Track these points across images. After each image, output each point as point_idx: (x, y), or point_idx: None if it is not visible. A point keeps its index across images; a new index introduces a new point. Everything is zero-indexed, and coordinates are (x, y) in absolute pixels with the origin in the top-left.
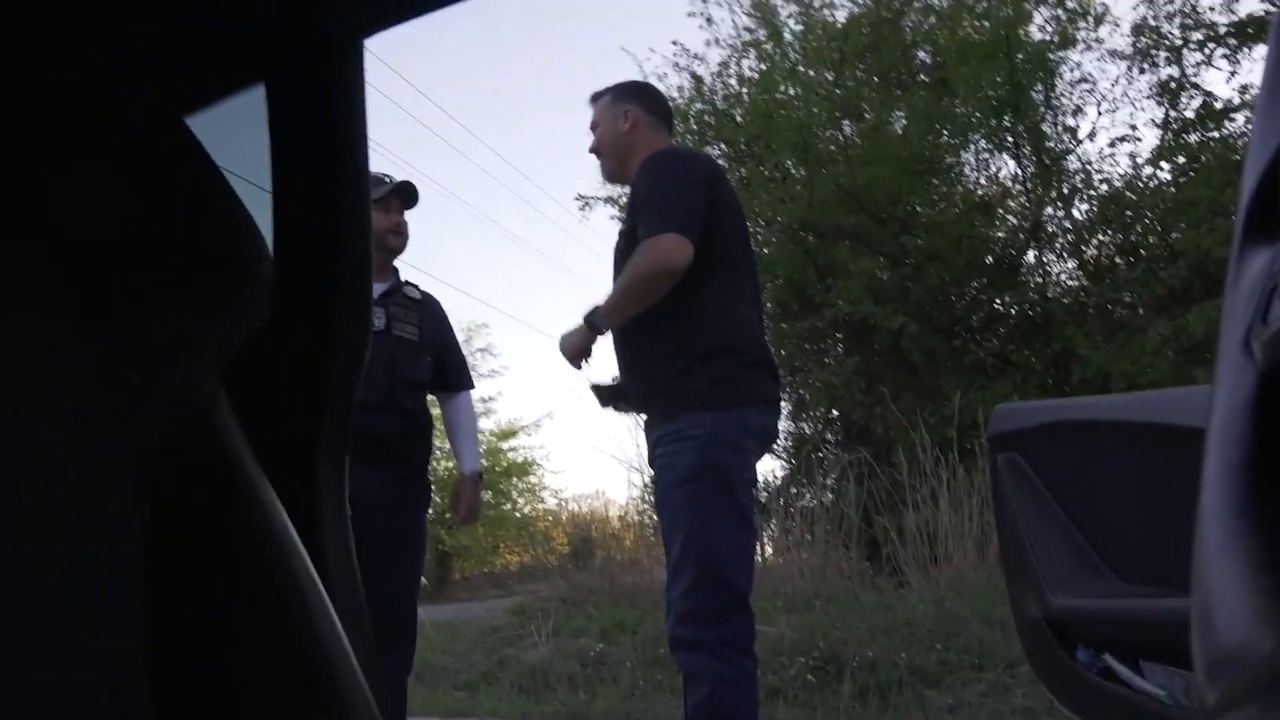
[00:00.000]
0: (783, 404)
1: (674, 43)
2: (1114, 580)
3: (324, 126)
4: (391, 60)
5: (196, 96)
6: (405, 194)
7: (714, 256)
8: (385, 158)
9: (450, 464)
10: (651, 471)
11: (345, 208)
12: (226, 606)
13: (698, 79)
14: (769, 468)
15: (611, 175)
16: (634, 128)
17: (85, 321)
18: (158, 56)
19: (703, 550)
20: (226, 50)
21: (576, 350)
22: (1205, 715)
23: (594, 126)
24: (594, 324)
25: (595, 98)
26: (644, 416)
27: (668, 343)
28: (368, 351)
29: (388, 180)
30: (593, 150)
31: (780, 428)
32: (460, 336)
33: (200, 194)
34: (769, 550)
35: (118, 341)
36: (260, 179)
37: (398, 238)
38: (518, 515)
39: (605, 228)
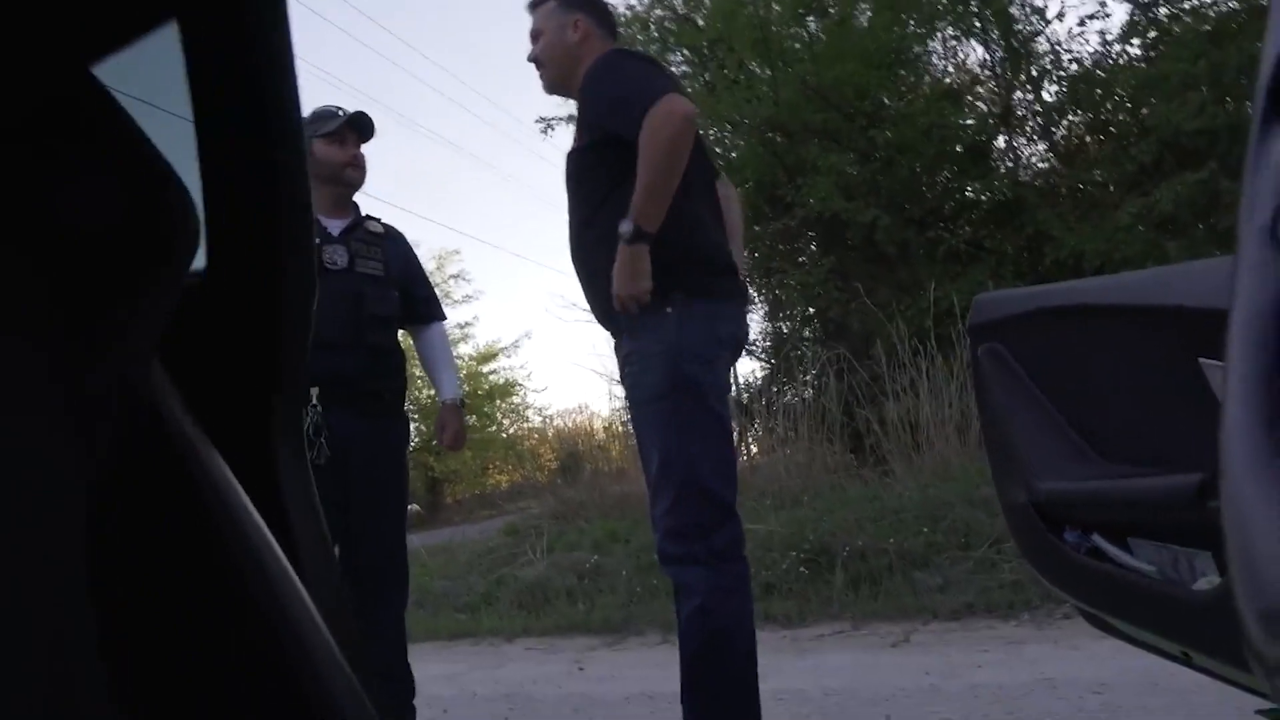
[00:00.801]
0: (759, 305)
1: None
2: (1099, 462)
3: (248, 62)
4: None
5: (100, 41)
6: (360, 125)
7: None
8: (336, 88)
9: (433, 393)
10: (622, 389)
11: (278, 150)
12: (181, 586)
13: None
14: (749, 369)
15: (554, 87)
16: (584, 39)
17: None
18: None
19: (683, 466)
20: None
21: (635, 274)
22: (1264, 672)
23: (535, 35)
24: (639, 231)
25: (535, 4)
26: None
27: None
28: (314, 302)
29: (340, 113)
30: (533, 60)
31: (758, 328)
32: (431, 265)
33: (111, 147)
34: (754, 449)
35: (30, 317)
36: (181, 123)
37: (355, 171)
38: (504, 436)
39: (568, 145)
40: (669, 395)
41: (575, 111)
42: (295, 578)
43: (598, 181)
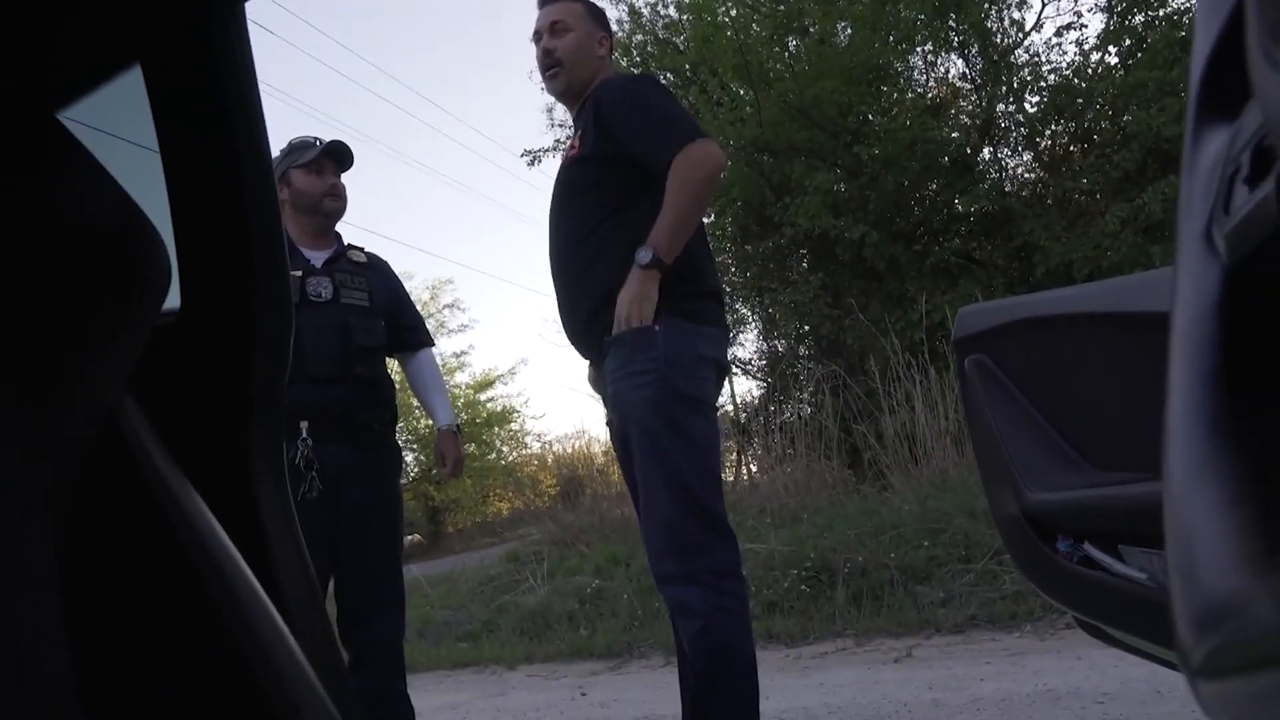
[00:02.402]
0: (753, 324)
1: None
2: (1088, 470)
3: (212, 101)
4: (310, 15)
5: (68, 89)
6: (337, 155)
7: (662, 190)
8: (325, 123)
9: (430, 421)
10: (607, 409)
11: (247, 185)
12: (150, 612)
13: (635, 12)
14: (746, 387)
15: (564, 90)
16: (605, 57)
17: None
18: (19, 51)
19: (676, 482)
20: (94, 35)
21: (647, 300)
22: (1189, 674)
23: (559, 29)
24: (656, 260)
25: None
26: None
27: (617, 275)
28: (291, 334)
29: (317, 143)
30: (551, 53)
31: (753, 347)
32: (425, 295)
33: (78, 193)
34: (753, 468)
35: (7, 349)
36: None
37: (335, 200)
38: (503, 463)
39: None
40: (664, 411)
41: (572, 125)
42: (272, 609)
43: (598, 200)
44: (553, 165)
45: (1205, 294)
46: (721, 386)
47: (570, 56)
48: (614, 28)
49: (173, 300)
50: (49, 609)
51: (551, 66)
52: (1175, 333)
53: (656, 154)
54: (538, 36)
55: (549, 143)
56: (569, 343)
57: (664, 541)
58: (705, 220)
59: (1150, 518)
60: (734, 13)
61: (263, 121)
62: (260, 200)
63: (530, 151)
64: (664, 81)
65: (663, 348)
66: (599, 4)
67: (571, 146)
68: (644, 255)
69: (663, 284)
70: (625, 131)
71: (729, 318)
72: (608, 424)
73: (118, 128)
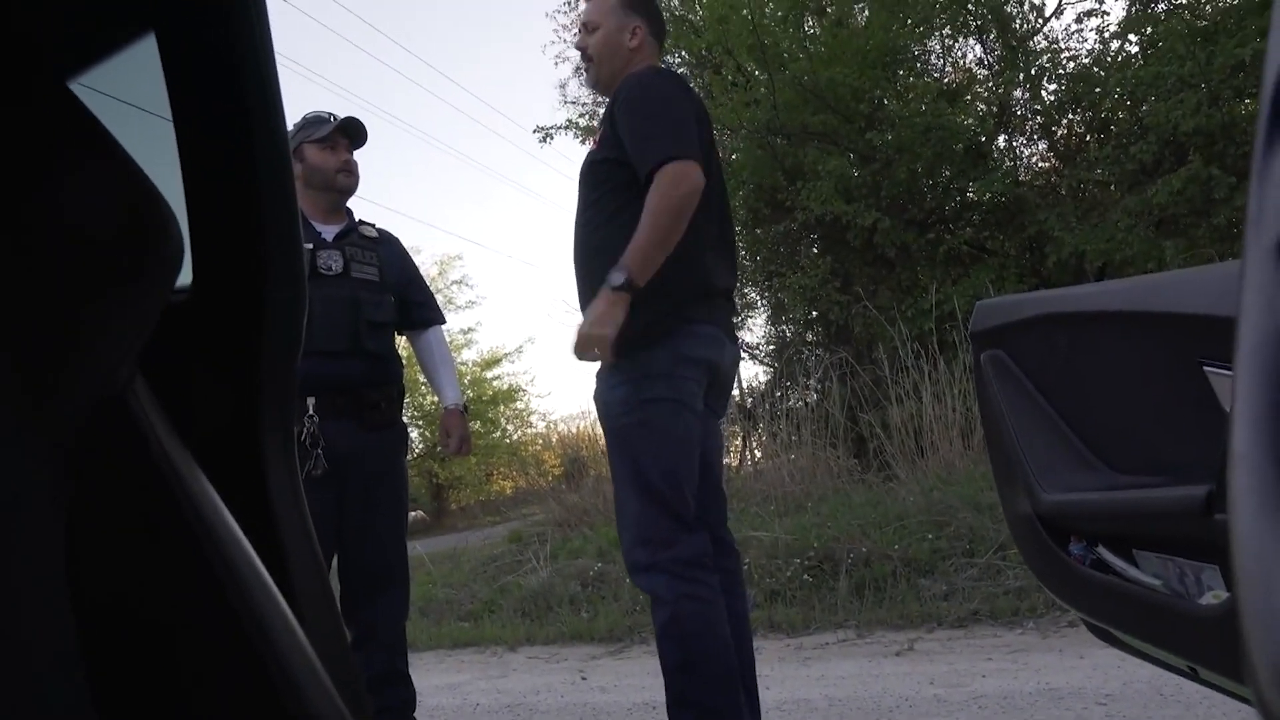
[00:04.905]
0: (762, 308)
1: None
2: (1104, 471)
3: (228, 74)
4: None
5: (79, 56)
6: (351, 131)
7: None
8: (338, 95)
9: (437, 399)
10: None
11: (262, 161)
12: (157, 596)
13: None
14: (752, 373)
15: (599, 84)
16: (640, 47)
17: None
18: (28, 17)
19: (641, 480)
20: (106, 1)
21: (609, 319)
22: None
23: (590, 27)
24: (628, 283)
25: None
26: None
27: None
28: (304, 314)
29: (331, 118)
30: (583, 50)
31: (760, 332)
32: (433, 270)
33: (90, 167)
34: (758, 454)
35: (17, 330)
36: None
37: (348, 177)
38: (508, 442)
39: (569, 149)
40: (634, 410)
41: (572, 114)
42: (279, 595)
43: (610, 194)
44: (564, 142)
45: (1276, 312)
46: (719, 383)
47: (599, 53)
48: None
49: (184, 276)
50: (56, 591)
51: (585, 63)
52: (1240, 353)
53: (642, 163)
54: (579, 32)
55: (561, 120)
56: None
57: (634, 534)
58: None
59: (1167, 523)
60: None
61: (279, 96)
62: (276, 177)
63: (543, 129)
64: (682, 63)
65: (641, 347)
66: None
67: (595, 142)
68: (616, 277)
69: (656, 281)
70: (625, 134)
71: (737, 300)
72: None
73: (132, 97)
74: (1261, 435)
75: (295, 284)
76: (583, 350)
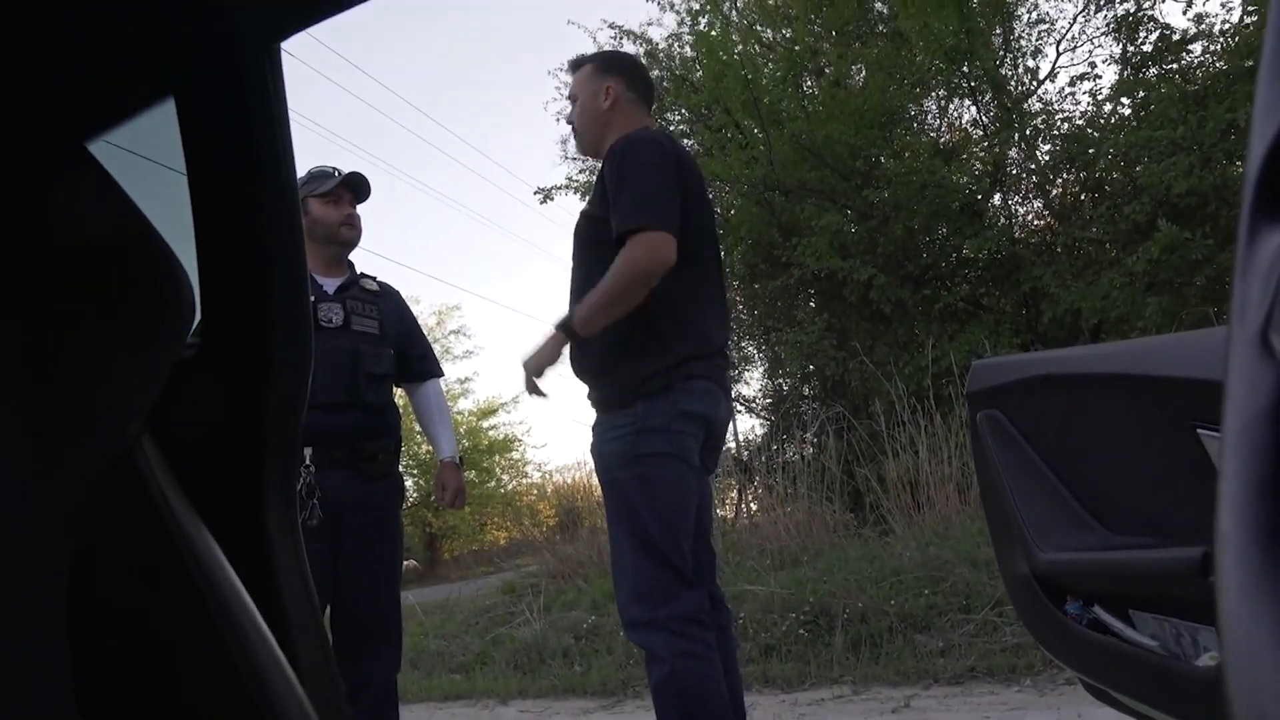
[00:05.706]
0: (759, 362)
1: (609, 24)
2: (1100, 532)
3: (243, 138)
4: (341, 48)
5: (99, 118)
6: (355, 185)
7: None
8: (338, 146)
9: (432, 449)
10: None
11: (272, 226)
12: (159, 647)
13: (653, 52)
14: (749, 425)
15: (586, 151)
16: (613, 105)
17: None
18: (53, 78)
19: (640, 535)
20: (129, 66)
21: (547, 360)
22: None
23: (572, 98)
24: (570, 329)
25: (575, 66)
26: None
27: (619, 331)
28: (310, 374)
29: (336, 173)
30: (569, 123)
31: (758, 385)
32: (431, 320)
33: (106, 225)
34: (754, 507)
35: (30, 387)
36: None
37: (350, 230)
38: (503, 492)
39: (570, 204)
40: (632, 464)
41: (571, 171)
42: (277, 648)
43: (599, 256)
44: (564, 200)
45: (1259, 398)
46: (713, 438)
47: (578, 121)
48: None
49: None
50: (56, 639)
51: (573, 133)
52: (1226, 438)
53: (618, 226)
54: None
55: (561, 178)
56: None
57: (630, 589)
58: None
59: (1163, 584)
60: (741, 48)
61: (292, 160)
62: (286, 239)
63: (543, 189)
64: (681, 119)
65: (640, 404)
66: (615, 48)
67: (589, 200)
68: (562, 317)
69: (657, 336)
70: (610, 195)
71: (734, 354)
72: None
73: (149, 153)
74: (1244, 518)
75: (302, 346)
76: (528, 383)
